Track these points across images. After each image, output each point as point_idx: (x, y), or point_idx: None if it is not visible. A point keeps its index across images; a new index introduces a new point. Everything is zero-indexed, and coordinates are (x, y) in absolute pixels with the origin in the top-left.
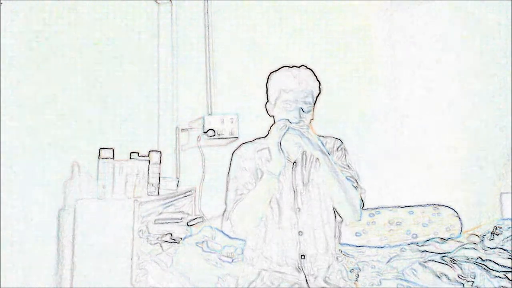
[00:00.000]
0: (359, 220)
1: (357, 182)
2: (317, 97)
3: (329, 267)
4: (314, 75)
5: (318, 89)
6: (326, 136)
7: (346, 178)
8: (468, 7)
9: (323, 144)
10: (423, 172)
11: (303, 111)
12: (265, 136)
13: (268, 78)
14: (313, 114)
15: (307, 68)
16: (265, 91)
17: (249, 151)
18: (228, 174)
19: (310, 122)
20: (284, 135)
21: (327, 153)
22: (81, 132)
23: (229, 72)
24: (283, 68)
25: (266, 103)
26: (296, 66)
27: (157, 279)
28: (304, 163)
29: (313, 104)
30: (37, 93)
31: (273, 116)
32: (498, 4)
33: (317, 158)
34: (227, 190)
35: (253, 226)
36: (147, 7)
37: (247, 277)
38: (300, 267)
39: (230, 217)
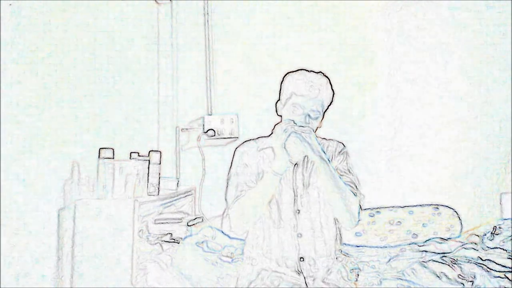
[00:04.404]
0: (356, 225)
1: (356, 187)
2: (328, 105)
3: (328, 269)
4: (330, 84)
5: (331, 99)
6: (329, 139)
7: (345, 183)
8: (468, 6)
9: (324, 151)
10: (423, 172)
11: (310, 117)
12: (269, 136)
13: (283, 77)
14: (321, 122)
15: (324, 75)
16: (279, 90)
17: (252, 149)
18: (229, 171)
19: (317, 129)
20: (287, 138)
21: (326, 160)
22: (81, 132)
23: (229, 72)
24: (300, 70)
25: (277, 101)
26: (314, 72)
27: (157, 279)
28: (305, 165)
29: (322, 112)
30: (37, 93)
31: (280, 116)
32: (498, 4)
33: None
34: (227, 186)
35: (251, 224)
36: (147, 7)
37: (247, 277)
38: (299, 270)
39: (229, 213)
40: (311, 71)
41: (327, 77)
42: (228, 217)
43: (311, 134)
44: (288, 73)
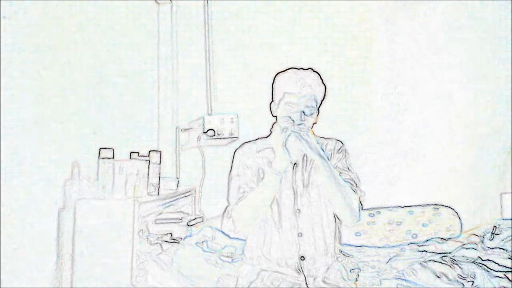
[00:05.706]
0: (358, 222)
1: (356, 185)
2: (322, 101)
3: (328, 268)
4: (321, 79)
5: (323, 93)
6: (327, 138)
7: (345, 181)
8: (468, 6)
9: (322, 149)
10: (423, 172)
11: (305, 114)
12: (267, 136)
13: (274, 78)
14: (317, 118)
15: (313, 71)
16: (271, 91)
17: (251, 150)
18: (230, 172)
19: (313, 126)
20: (287, 137)
21: (325, 157)
22: (81, 132)
23: (229, 72)
24: (290, 69)
25: (271, 102)
26: (304, 69)
27: (157, 279)
28: (305, 164)
29: (316, 108)
30: (37, 93)
31: (276, 116)
32: (498, 4)
33: None
34: (229, 188)
35: (254, 225)
36: (147, 7)
37: (247, 277)
38: (300, 269)
39: (232, 215)
40: (300, 68)
41: (317, 72)
42: (231, 219)
43: (308, 132)
44: (278, 73)
